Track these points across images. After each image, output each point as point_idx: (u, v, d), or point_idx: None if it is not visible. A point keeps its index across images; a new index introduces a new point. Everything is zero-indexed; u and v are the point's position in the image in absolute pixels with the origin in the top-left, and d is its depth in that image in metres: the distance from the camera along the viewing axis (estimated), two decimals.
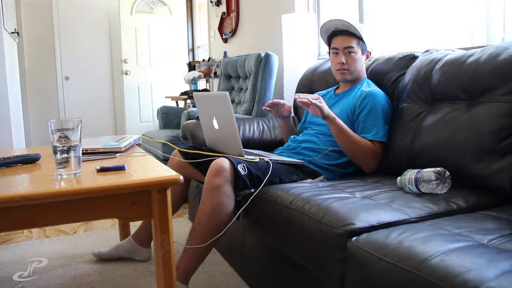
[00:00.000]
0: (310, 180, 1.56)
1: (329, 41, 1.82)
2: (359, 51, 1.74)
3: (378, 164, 1.61)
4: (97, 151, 1.49)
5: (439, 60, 1.53)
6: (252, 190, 1.41)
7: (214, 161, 1.42)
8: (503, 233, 0.92)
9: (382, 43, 2.45)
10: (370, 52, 1.80)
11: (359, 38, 1.72)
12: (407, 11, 2.28)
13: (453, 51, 1.57)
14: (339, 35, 1.74)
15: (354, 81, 1.78)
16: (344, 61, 1.73)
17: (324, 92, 1.96)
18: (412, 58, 1.73)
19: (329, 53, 1.83)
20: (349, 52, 1.72)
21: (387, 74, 1.78)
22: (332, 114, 1.57)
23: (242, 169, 1.40)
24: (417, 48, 1.80)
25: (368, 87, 1.72)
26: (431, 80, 1.52)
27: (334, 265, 1.03)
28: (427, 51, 1.68)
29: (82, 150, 1.40)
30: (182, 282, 1.39)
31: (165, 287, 1.10)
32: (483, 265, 0.75)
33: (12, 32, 3.62)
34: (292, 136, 1.83)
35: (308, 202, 1.20)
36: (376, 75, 1.82)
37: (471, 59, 1.39)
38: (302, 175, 1.56)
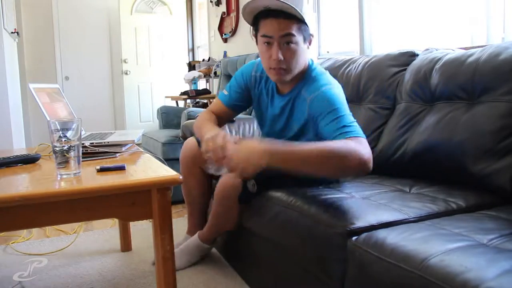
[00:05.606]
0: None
1: (255, 23, 1.33)
2: (300, 40, 1.28)
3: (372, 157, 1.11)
4: (107, 143, 1.48)
5: (439, 59, 1.53)
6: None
7: (224, 178, 1.42)
8: (503, 232, 0.92)
9: (382, 42, 2.45)
10: (312, 36, 1.36)
11: (301, 21, 1.26)
12: (407, 11, 2.28)
13: (453, 50, 1.57)
14: (272, 17, 1.25)
15: (295, 80, 1.37)
16: (281, 56, 1.27)
17: (258, 75, 1.50)
18: (412, 55, 1.72)
19: (256, 40, 1.36)
20: (288, 43, 1.26)
21: (386, 68, 1.76)
22: (270, 150, 1.06)
23: (252, 185, 1.39)
24: (417, 47, 1.80)
25: (313, 85, 1.32)
26: (430, 80, 1.52)
27: (334, 265, 1.03)
28: (427, 49, 1.68)
29: (93, 144, 1.41)
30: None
31: (165, 287, 1.11)
32: (483, 264, 0.75)
33: (12, 32, 3.62)
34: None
35: (307, 202, 1.20)
36: (375, 68, 1.80)
37: (471, 58, 1.39)
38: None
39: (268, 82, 1.47)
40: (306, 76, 1.37)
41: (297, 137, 1.39)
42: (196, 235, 1.70)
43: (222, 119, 1.58)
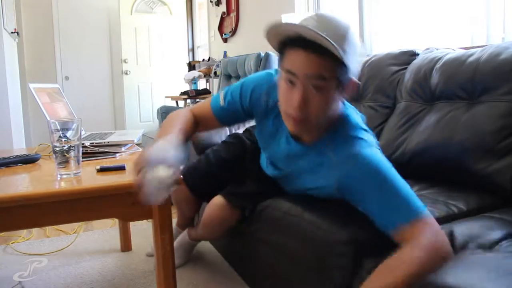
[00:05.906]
0: None
1: (282, 50, 1.00)
2: (333, 86, 0.95)
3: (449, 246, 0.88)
4: (107, 143, 1.49)
5: (439, 59, 1.53)
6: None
7: (212, 208, 1.41)
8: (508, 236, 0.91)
9: (382, 42, 2.45)
10: (354, 82, 1.00)
11: (339, 61, 0.91)
12: (408, 10, 2.28)
13: (453, 50, 1.57)
14: (301, 48, 0.93)
15: (319, 130, 1.07)
16: (303, 105, 0.95)
17: (270, 105, 1.16)
18: (413, 55, 1.72)
19: (279, 75, 1.03)
20: (317, 88, 0.94)
21: (387, 66, 1.75)
22: None
23: (249, 210, 1.39)
24: (417, 47, 1.80)
25: (347, 149, 1.02)
26: (431, 79, 1.52)
27: (335, 271, 1.02)
28: (427, 49, 1.68)
29: (93, 144, 1.42)
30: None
31: (165, 287, 1.10)
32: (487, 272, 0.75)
33: (12, 32, 3.62)
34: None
35: (307, 209, 1.19)
36: (376, 67, 1.79)
37: (471, 58, 1.39)
38: None
39: (282, 120, 1.08)
40: (337, 130, 1.06)
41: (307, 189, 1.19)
42: (186, 234, 1.72)
43: (203, 127, 1.26)
